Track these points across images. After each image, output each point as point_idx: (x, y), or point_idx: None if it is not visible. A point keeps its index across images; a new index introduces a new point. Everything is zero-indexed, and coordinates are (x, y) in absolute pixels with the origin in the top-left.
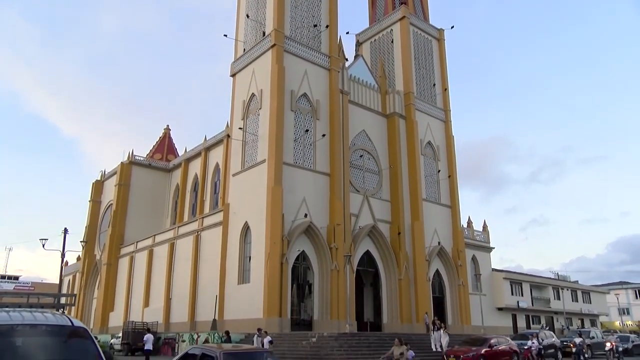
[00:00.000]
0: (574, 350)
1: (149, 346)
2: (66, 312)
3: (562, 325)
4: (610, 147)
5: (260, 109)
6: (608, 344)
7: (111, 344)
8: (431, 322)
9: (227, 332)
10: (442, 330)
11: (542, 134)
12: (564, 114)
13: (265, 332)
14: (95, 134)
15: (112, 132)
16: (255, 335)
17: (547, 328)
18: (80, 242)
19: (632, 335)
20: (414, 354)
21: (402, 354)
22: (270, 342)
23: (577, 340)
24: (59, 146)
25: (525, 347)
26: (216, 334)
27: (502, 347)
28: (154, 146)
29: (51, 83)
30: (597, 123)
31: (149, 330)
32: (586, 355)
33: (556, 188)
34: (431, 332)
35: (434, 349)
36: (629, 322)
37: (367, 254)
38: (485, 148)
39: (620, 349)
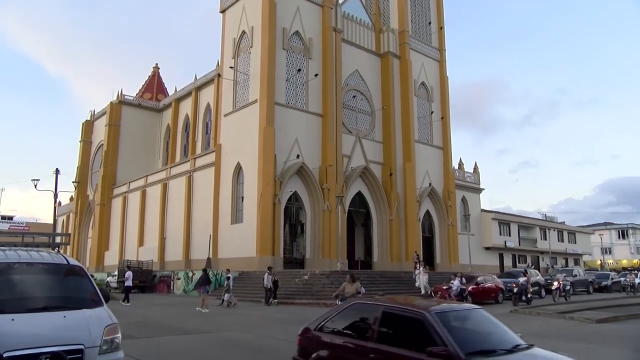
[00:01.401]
0: (515, 290)
1: (129, 283)
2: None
3: (547, 264)
4: (605, 91)
5: (251, 47)
6: (555, 283)
7: (107, 282)
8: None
9: (205, 270)
10: (421, 269)
11: (537, 76)
12: (560, 56)
13: (269, 269)
14: (82, 72)
15: (100, 71)
16: (266, 274)
17: (533, 267)
18: (73, 182)
19: (612, 273)
20: (364, 290)
21: (358, 292)
22: (275, 282)
23: (521, 280)
24: (45, 85)
25: (445, 287)
26: (210, 272)
27: (488, 284)
28: (143, 85)
29: (33, 19)
30: (594, 66)
31: (129, 268)
32: (529, 296)
33: (549, 130)
34: (414, 270)
35: (418, 286)
36: (610, 261)
37: (359, 194)
38: (480, 90)
39: (568, 287)
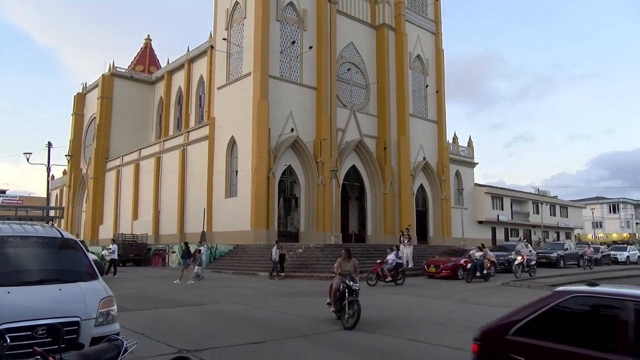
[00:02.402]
0: (468, 266)
1: (114, 256)
2: (55, 224)
3: (539, 238)
4: (601, 65)
5: (244, 18)
6: (518, 258)
7: (102, 255)
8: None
9: (186, 243)
10: (405, 242)
11: (534, 50)
12: (558, 30)
13: (277, 243)
14: (72, 44)
15: (90, 43)
16: (274, 247)
17: (525, 240)
18: (66, 156)
19: (602, 247)
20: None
21: (355, 268)
22: (282, 255)
23: (477, 254)
24: (35, 57)
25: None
26: (205, 245)
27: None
28: (135, 57)
29: None
30: (591, 40)
31: (114, 242)
32: (485, 272)
33: (544, 105)
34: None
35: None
36: (601, 235)
37: (353, 168)
38: (476, 63)
39: (533, 263)
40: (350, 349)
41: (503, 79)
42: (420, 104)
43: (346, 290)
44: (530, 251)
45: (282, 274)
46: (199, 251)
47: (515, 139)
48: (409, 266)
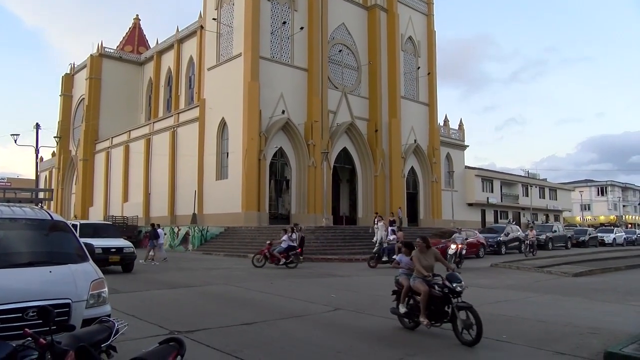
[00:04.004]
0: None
1: None
2: (44, 206)
3: (528, 220)
4: (594, 49)
5: None
6: (452, 246)
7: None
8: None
9: (153, 225)
10: (379, 224)
11: (527, 33)
12: (552, 13)
13: (296, 225)
14: (59, 24)
15: (78, 23)
16: (290, 234)
17: (514, 223)
18: (54, 137)
19: (590, 229)
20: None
21: (437, 259)
22: (302, 239)
23: (391, 237)
24: (21, 37)
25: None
26: (196, 228)
27: (470, 239)
28: (123, 37)
29: None
30: (586, 24)
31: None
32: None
33: (537, 88)
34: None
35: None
36: (589, 217)
37: (344, 150)
38: (469, 46)
39: (464, 252)
40: (337, 329)
41: (496, 61)
42: (411, 86)
43: (447, 293)
44: (526, 234)
45: (301, 257)
46: (153, 233)
47: (506, 122)
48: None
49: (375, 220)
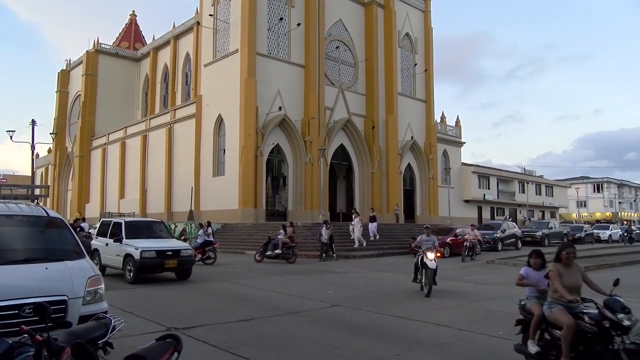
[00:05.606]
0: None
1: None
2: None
3: (524, 217)
4: (592, 46)
5: None
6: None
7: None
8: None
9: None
10: (355, 220)
11: (525, 31)
12: (550, 11)
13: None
14: (55, 20)
15: (74, 18)
16: (323, 228)
17: (510, 219)
18: (50, 134)
19: (586, 226)
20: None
21: (585, 279)
22: (331, 236)
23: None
24: (16, 33)
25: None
26: (193, 224)
27: (466, 236)
28: (120, 33)
29: None
30: (584, 22)
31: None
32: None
33: (535, 85)
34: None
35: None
36: (585, 214)
37: (341, 147)
38: (466, 43)
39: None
40: (334, 325)
41: (494, 58)
42: (408, 83)
43: (608, 328)
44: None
45: (334, 254)
46: (80, 227)
47: (504, 119)
48: (356, 245)
49: (353, 215)
